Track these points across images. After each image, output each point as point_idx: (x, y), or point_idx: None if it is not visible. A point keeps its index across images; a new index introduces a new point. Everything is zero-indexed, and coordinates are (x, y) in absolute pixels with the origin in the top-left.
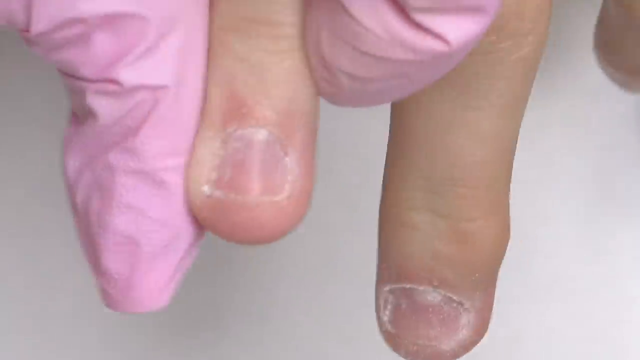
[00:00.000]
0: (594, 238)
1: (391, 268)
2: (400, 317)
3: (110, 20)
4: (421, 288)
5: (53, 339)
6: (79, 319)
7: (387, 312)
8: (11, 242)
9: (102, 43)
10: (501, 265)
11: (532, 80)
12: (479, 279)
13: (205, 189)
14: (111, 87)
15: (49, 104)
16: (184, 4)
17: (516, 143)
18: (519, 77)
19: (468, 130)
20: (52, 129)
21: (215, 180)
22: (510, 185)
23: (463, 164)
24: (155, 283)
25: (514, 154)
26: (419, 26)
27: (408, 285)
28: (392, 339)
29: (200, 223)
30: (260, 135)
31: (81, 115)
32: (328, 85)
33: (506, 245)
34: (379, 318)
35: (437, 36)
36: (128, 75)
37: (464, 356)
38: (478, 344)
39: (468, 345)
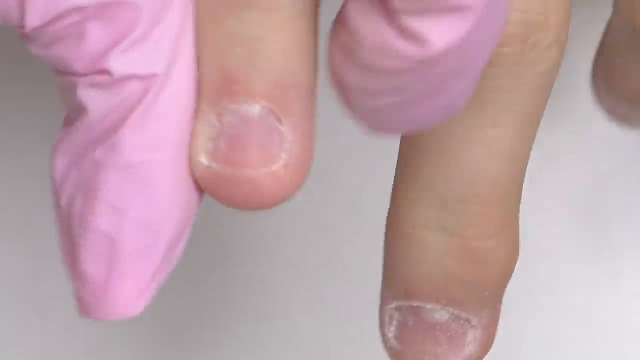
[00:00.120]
0: (594, 238)
1: (399, 285)
2: (406, 333)
3: (102, 9)
4: (429, 306)
5: (53, 339)
6: (79, 318)
7: (393, 329)
8: (11, 242)
9: (94, 33)
10: None
11: (549, 95)
12: (488, 297)
13: (203, 159)
14: (101, 78)
15: (49, 104)
16: None
17: (528, 159)
18: (540, 91)
19: (486, 146)
20: (52, 129)
21: (212, 151)
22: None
23: (478, 181)
24: (131, 288)
25: (525, 170)
26: (405, 31)
27: (416, 304)
28: (397, 355)
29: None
30: (255, 110)
31: (73, 116)
32: (346, 105)
33: (515, 262)
34: (383, 334)
35: (421, 40)
36: (118, 64)
37: None
38: None
39: None
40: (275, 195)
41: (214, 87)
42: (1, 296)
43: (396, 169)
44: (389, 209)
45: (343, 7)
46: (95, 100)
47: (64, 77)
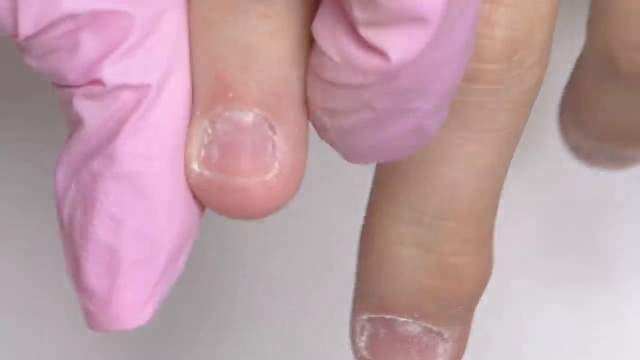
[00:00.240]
0: (594, 238)
1: (372, 298)
2: (377, 345)
3: (95, 18)
4: (402, 319)
5: (53, 339)
6: (79, 318)
7: (364, 339)
8: (11, 242)
9: (87, 43)
10: (501, 265)
11: (529, 114)
12: (461, 310)
13: (195, 166)
14: (95, 89)
15: (49, 104)
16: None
17: (506, 174)
18: (522, 109)
19: (465, 162)
20: (52, 129)
21: (204, 158)
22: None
23: (456, 197)
24: (133, 299)
25: (502, 186)
26: (366, 44)
27: (388, 316)
28: None
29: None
30: (248, 117)
31: (72, 128)
32: (319, 129)
33: (489, 276)
34: (354, 343)
35: (381, 53)
36: (111, 74)
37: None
38: (477, 345)
39: None
40: (267, 205)
41: (208, 94)
42: (1, 296)
43: (372, 184)
44: (364, 223)
45: (312, 26)
46: (90, 111)
47: (61, 91)
